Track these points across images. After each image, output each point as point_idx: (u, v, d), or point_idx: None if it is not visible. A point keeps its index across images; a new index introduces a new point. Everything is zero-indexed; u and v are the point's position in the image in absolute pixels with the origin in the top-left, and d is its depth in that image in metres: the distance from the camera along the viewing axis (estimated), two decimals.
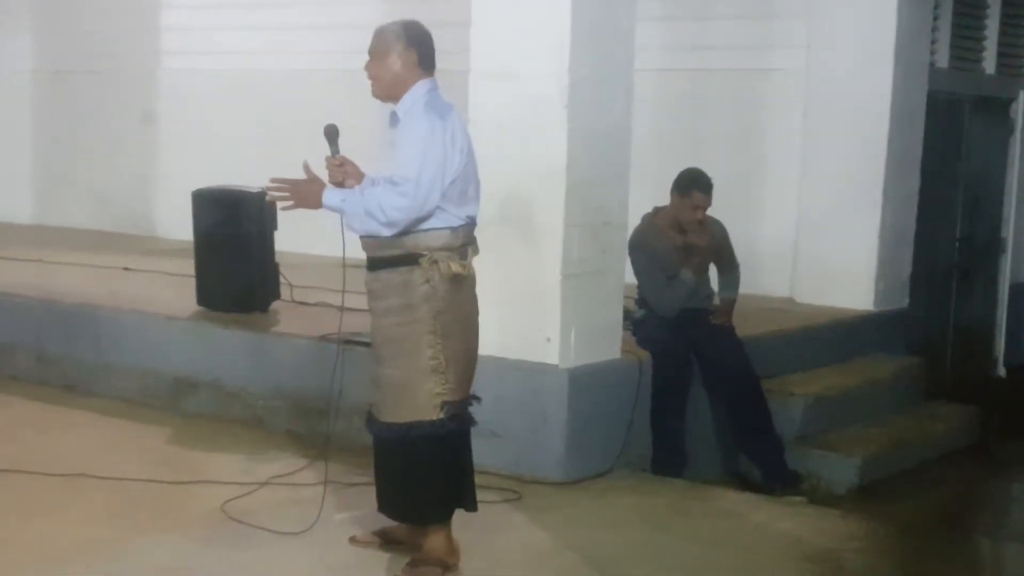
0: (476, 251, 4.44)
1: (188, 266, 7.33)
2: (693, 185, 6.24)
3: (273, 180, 4.38)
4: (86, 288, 7.83)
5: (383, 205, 4.18)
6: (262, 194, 7.02)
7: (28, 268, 8.62)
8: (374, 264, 4.37)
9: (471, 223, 4.40)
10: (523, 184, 5.48)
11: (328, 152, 4.47)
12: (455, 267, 4.29)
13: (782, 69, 8.22)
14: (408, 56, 4.33)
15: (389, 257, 4.31)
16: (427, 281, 4.27)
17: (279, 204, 4.45)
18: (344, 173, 4.45)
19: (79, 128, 11.49)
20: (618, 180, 5.78)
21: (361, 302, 4.60)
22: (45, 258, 8.95)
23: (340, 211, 4.28)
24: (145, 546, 4.68)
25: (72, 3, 11.47)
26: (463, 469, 4.52)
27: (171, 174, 10.52)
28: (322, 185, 4.33)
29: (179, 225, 8.06)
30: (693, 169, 6.32)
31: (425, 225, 4.26)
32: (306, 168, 4.37)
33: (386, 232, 4.23)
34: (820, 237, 7.95)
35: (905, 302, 8.11)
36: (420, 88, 4.34)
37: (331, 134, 4.47)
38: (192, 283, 7.21)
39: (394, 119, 4.38)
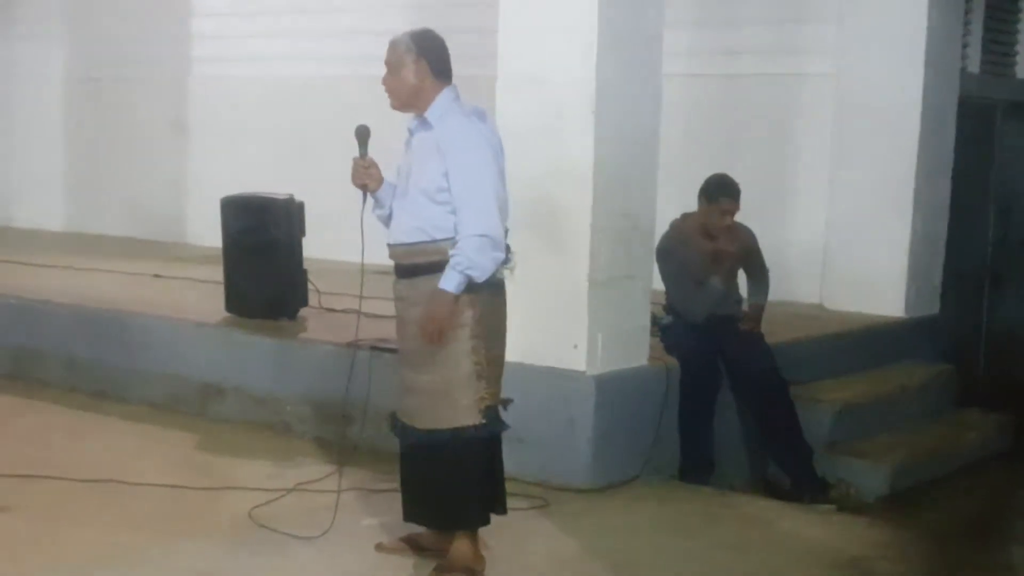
0: (511, 257, 4.43)
1: (217, 272, 7.36)
2: (720, 191, 6.22)
3: (422, 332, 4.27)
4: (116, 294, 7.87)
5: (480, 251, 4.19)
6: (291, 201, 7.11)
7: (59, 275, 8.69)
8: (408, 271, 4.37)
9: (505, 230, 4.39)
10: (550, 189, 5.47)
11: (356, 153, 4.46)
12: (496, 273, 4.31)
13: (812, 74, 8.17)
14: (420, 66, 4.33)
15: (426, 264, 4.30)
16: (467, 288, 4.26)
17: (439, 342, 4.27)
18: (368, 176, 4.44)
19: (110, 135, 11.57)
20: (646, 185, 5.76)
21: (384, 308, 4.60)
22: (76, 265, 9.02)
23: (466, 277, 4.19)
24: (173, 551, 4.69)
25: (104, 11, 11.57)
26: (496, 473, 4.52)
27: (201, 180, 10.58)
28: (438, 289, 4.20)
29: (209, 231, 8.10)
30: (720, 175, 6.30)
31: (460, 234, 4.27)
32: (422, 323, 4.27)
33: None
34: (850, 243, 7.90)
35: (936, 308, 8.04)
36: (446, 96, 4.34)
37: (362, 135, 4.45)
38: (221, 289, 7.24)
39: (423, 124, 4.37)
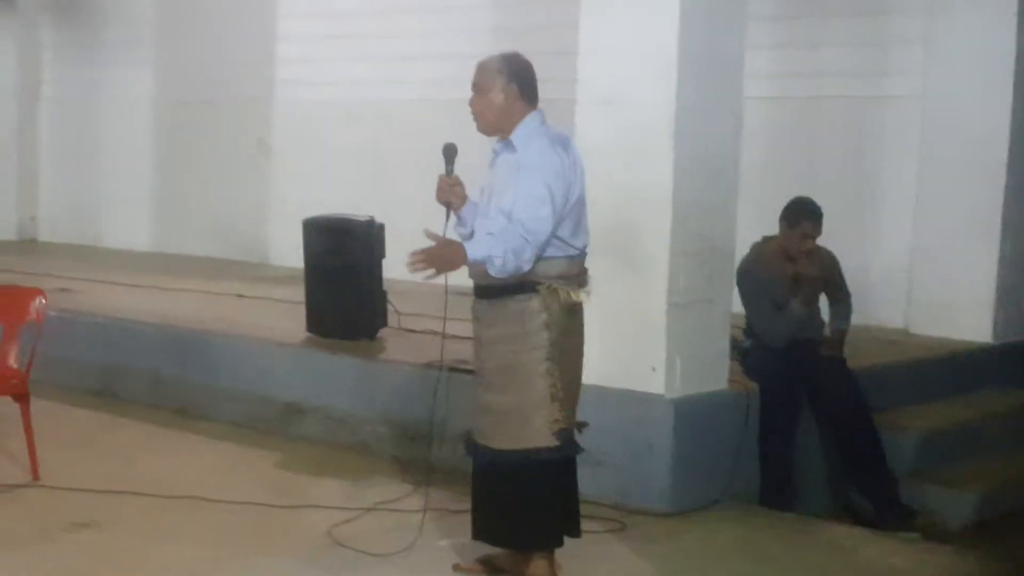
0: (588, 280, 4.44)
1: (299, 293, 7.44)
2: (802, 214, 6.16)
3: (412, 254, 4.25)
4: (200, 314, 8.00)
5: (517, 253, 4.18)
6: (371, 222, 7.17)
7: (146, 294, 8.84)
8: (487, 292, 4.38)
9: (583, 253, 4.42)
10: (629, 212, 5.46)
11: (443, 171, 4.49)
12: (574, 295, 4.33)
13: (897, 95, 8.07)
14: (510, 89, 4.35)
15: (505, 285, 4.30)
16: (546, 309, 4.28)
17: (421, 275, 4.27)
18: (453, 194, 4.47)
19: (196, 157, 11.78)
20: (725, 208, 5.72)
21: (464, 329, 4.60)
22: (162, 284, 9.18)
23: (489, 259, 4.18)
24: (253, 569, 4.74)
25: (191, 36, 11.79)
26: (571, 495, 4.51)
27: (284, 202, 10.70)
28: (460, 244, 4.26)
29: (291, 252, 8.20)
30: (802, 198, 6.24)
31: (543, 254, 4.27)
32: (430, 235, 4.29)
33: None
34: (936, 266, 7.77)
35: None
36: (533, 119, 4.37)
37: (449, 153, 4.50)
38: (302, 310, 7.32)
39: (507, 146, 4.39)
